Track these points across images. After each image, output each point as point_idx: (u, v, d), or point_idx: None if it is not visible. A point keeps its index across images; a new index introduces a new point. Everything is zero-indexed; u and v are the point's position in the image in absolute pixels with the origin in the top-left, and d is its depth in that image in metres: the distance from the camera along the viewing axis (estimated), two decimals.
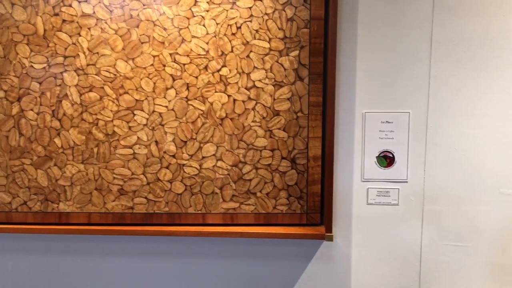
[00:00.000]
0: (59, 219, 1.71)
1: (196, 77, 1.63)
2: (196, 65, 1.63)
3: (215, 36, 1.61)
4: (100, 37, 1.62)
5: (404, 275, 1.74)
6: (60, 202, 1.71)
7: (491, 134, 1.64)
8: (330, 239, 1.62)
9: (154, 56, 1.63)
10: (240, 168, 1.68)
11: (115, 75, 1.64)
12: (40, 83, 1.65)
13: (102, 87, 1.64)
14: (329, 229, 1.62)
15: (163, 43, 1.62)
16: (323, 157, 1.66)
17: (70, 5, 1.61)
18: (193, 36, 1.61)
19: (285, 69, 1.63)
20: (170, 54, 1.62)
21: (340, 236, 1.74)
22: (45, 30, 1.62)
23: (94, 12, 1.61)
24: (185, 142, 1.67)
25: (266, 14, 1.60)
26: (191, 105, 1.65)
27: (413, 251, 1.73)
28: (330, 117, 1.57)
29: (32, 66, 1.64)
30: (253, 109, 1.65)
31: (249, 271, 1.78)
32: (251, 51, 1.62)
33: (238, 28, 1.61)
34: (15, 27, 1.63)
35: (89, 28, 1.62)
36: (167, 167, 1.68)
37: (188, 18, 1.61)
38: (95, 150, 1.68)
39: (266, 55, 1.62)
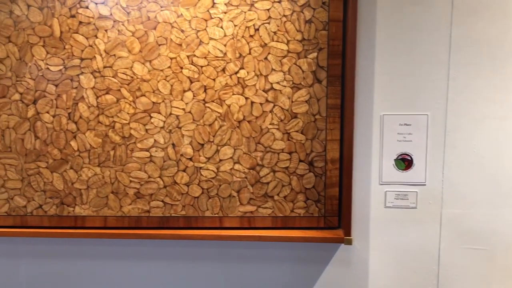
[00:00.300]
0: (74, 222, 1.70)
1: (214, 80, 1.62)
2: (214, 67, 1.62)
3: (233, 38, 1.60)
4: (117, 39, 1.61)
5: (422, 279, 1.72)
6: (76, 206, 1.69)
7: (511, 137, 1.63)
8: (349, 242, 1.61)
9: (171, 58, 1.61)
10: (257, 171, 1.67)
11: (132, 77, 1.62)
12: (56, 86, 1.64)
13: (119, 90, 1.63)
14: (348, 232, 1.61)
15: (180, 45, 1.61)
16: (340, 160, 1.65)
17: (87, 7, 1.60)
18: (211, 38, 1.60)
19: (303, 71, 1.62)
20: (188, 56, 1.61)
21: (358, 240, 1.72)
22: (61, 32, 1.61)
23: (111, 14, 1.60)
24: (202, 145, 1.65)
25: (284, 16, 1.59)
26: (209, 107, 1.64)
27: (431, 255, 1.71)
28: (349, 120, 1.56)
29: (48, 68, 1.63)
30: (271, 111, 1.64)
31: (266, 275, 1.76)
32: (269, 53, 1.61)
33: (256, 30, 1.60)
34: (31, 29, 1.61)
35: (106, 30, 1.60)
36: (184, 170, 1.67)
37: (206, 20, 1.60)
38: (112, 153, 1.66)
39: (284, 57, 1.61)
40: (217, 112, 1.64)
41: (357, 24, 1.60)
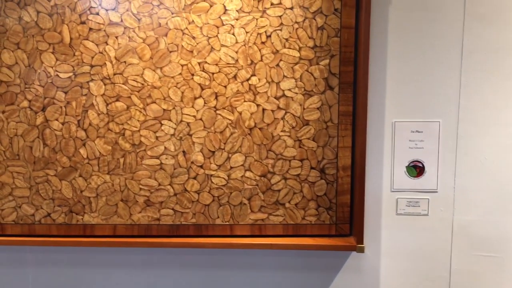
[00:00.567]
0: (83, 231, 1.67)
1: (225, 86, 1.61)
2: (225, 74, 1.60)
3: (244, 45, 1.59)
4: (128, 45, 1.59)
5: (433, 286, 1.72)
6: (85, 214, 1.67)
7: None
8: (361, 250, 1.60)
9: (182, 65, 1.60)
10: (268, 179, 1.66)
11: (142, 84, 1.61)
12: (65, 93, 1.62)
13: (129, 97, 1.62)
14: (360, 240, 1.60)
15: (191, 52, 1.59)
16: (352, 167, 1.64)
17: (97, 13, 1.58)
18: (222, 45, 1.59)
19: (315, 78, 1.61)
20: (199, 63, 1.60)
21: (369, 247, 1.71)
22: (71, 39, 1.59)
23: (121, 21, 1.58)
24: (213, 152, 1.64)
25: (296, 22, 1.58)
26: (220, 114, 1.62)
27: (443, 262, 1.71)
28: (361, 127, 1.55)
29: (57, 75, 1.61)
30: (283, 118, 1.63)
31: (277, 283, 1.75)
32: (281, 60, 1.60)
33: (268, 36, 1.59)
34: (40, 35, 1.60)
35: (116, 37, 1.59)
36: (194, 178, 1.65)
37: (218, 27, 1.59)
38: (121, 160, 1.64)
39: (296, 64, 1.60)
40: (228, 119, 1.62)
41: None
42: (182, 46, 1.59)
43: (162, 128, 1.63)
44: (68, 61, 1.60)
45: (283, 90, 1.61)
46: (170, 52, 1.59)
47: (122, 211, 1.67)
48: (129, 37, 1.59)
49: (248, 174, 1.65)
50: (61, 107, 1.62)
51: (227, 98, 1.62)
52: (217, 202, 1.67)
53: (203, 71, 1.60)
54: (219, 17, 1.58)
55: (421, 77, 1.63)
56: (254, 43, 1.59)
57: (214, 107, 1.62)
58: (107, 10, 1.58)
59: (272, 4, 1.57)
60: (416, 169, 1.68)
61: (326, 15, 1.58)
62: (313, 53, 1.60)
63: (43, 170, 1.65)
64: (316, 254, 1.73)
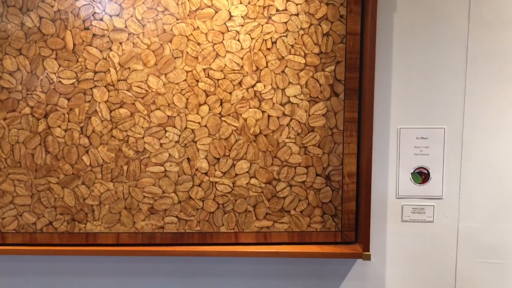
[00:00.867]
0: (86, 239, 1.65)
1: (230, 93, 1.60)
2: (230, 81, 1.59)
3: (249, 51, 1.58)
4: (132, 52, 1.58)
5: None
6: (87, 222, 1.65)
7: None
8: (368, 258, 1.59)
9: (187, 72, 1.59)
10: (274, 186, 1.64)
11: (146, 90, 1.59)
12: (68, 99, 1.60)
13: (133, 103, 1.60)
14: (366, 248, 1.58)
15: (196, 58, 1.58)
16: (357, 173, 1.63)
17: (101, 19, 1.56)
18: (228, 51, 1.58)
19: (320, 85, 1.60)
20: (204, 69, 1.59)
21: (374, 254, 1.70)
22: (74, 45, 1.58)
23: (126, 27, 1.57)
24: (218, 159, 1.63)
25: (301, 29, 1.58)
26: (225, 121, 1.61)
27: (448, 269, 1.70)
28: (367, 134, 1.55)
29: (60, 81, 1.59)
30: (288, 125, 1.62)
31: None
32: (286, 66, 1.59)
33: (273, 43, 1.58)
34: (43, 41, 1.58)
35: (120, 43, 1.57)
36: (199, 185, 1.63)
37: (223, 33, 1.58)
38: (125, 168, 1.62)
39: (301, 70, 1.60)
40: (233, 126, 1.61)
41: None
42: (187, 52, 1.58)
43: (167, 135, 1.61)
44: (71, 67, 1.58)
45: (288, 97, 1.61)
46: (175, 58, 1.58)
47: (126, 219, 1.65)
48: (133, 43, 1.57)
49: (253, 181, 1.64)
50: (63, 113, 1.60)
51: (232, 104, 1.60)
52: (222, 210, 1.65)
53: (208, 77, 1.59)
54: (224, 23, 1.57)
55: (426, 83, 1.63)
56: (260, 50, 1.58)
57: (219, 113, 1.61)
58: (111, 16, 1.56)
59: (277, 10, 1.57)
60: (421, 175, 1.67)
61: (332, 21, 1.58)
62: (318, 59, 1.59)
63: (45, 178, 1.63)
64: (321, 261, 1.71)
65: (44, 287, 1.74)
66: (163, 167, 1.62)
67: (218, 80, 1.59)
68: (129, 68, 1.58)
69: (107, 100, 1.60)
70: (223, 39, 1.58)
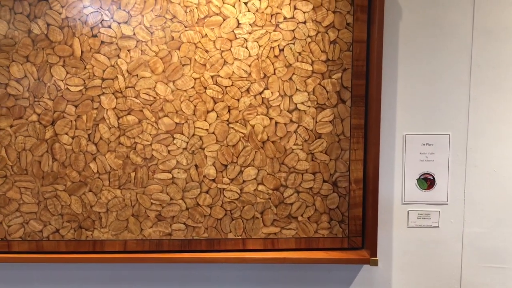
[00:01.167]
0: (93, 247, 1.64)
1: (238, 100, 1.61)
2: (238, 88, 1.60)
3: (257, 59, 1.59)
4: (140, 59, 1.58)
5: None
6: (94, 229, 1.64)
7: None
8: (375, 263, 1.60)
9: (195, 79, 1.59)
10: (281, 192, 1.65)
11: (154, 97, 1.60)
12: (76, 106, 1.59)
13: (141, 110, 1.60)
14: (373, 253, 1.60)
15: (204, 65, 1.59)
16: (364, 180, 1.65)
17: (109, 26, 1.57)
18: (235, 59, 1.59)
19: (327, 92, 1.62)
20: (212, 77, 1.59)
21: (381, 260, 1.71)
22: (82, 52, 1.58)
23: (134, 34, 1.57)
24: (226, 166, 1.63)
25: (309, 36, 1.59)
26: (232, 128, 1.62)
27: (454, 274, 1.72)
28: (375, 141, 1.56)
29: (68, 88, 1.59)
30: (295, 132, 1.63)
31: None
32: (293, 74, 1.61)
33: (281, 50, 1.60)
34: (51, 48, 1.57)
35: (128, 50, 1.58)
36: (207, 192, 1.64)
37: (231, 40, 1.58)
38: (133, 175, 1.62)
39: (308, 77, 1.61)
40: (241, 132, 1.62)
41: None
42: (195, 59, 1.59)
43: (174, 141, 1.62)
44: (79, 74, 1.58)
45: (295, 104, 1.62)
46: (183, 65, 1.59)
47: (133, 226, 1.64)
48: (141, 50, 1.58)
49: (260, 187, 1.65)
50: (71, 121, 1.60)
51: (240, 111, 1.61)
52: (230, 216, 1.65)
53: (216, 84, 1.60)
54: (232, 31, 1.58)
55: (431, 91, 1.65)
56: (267, 57, 1.59)
57: (227, 120, 1.61)
58: (119, 23, 1.57)
59: (285, 18, 1.58)
60: (427, 181, 1.69)
61: (339, 29, 1.59)
62: (325, 66, 1.61)
63: (52, 185, 1.62)
64: (328, 267, 1.72)
65: None
66: (170, 174, 1.63)
67: (226, 87, 1.60)
68: (137, 75, 1.59)
69: (115, 107, 1.60)
70: (231, 46, 1.59)
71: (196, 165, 1.63)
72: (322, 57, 1.60)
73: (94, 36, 1.57)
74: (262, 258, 1.63)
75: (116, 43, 1.57)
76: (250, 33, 1.58)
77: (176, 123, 1.61)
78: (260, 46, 1.59)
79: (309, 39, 1.60)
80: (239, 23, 1.58)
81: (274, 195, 1.65)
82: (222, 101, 1.61)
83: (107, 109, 1.60)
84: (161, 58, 1.58)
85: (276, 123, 1.62)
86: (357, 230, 1.67)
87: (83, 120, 1.60)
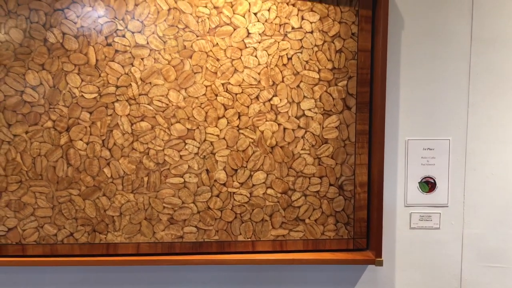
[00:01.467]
0: (107, 250, 1.68)
1: (248, 107, 1.66)
2: (248, 95, 1.66)
3: (266, 67, 1.65)
4: (153, 67, 1.63)
5: None
6: (108, 233, 1.68)
7: None
8: (380, 264, 1.66)
9: (206, 86, 1.65)
10: (289, 195, 1.71)
11: (167, 104, 1.65)
12: (90, 113, 1.64)
13: (154, 117, 1.65)
14: (378, 254, 1.66)
15: (215, 73, 1.65)
16: (368, 183, 1.71)
17: (123, 36, 1.62)
18: (245, 67, 1.65)
19: (333, 99, 1.68)
20: (222, 84, 1.65)
21: (384, 260, 1.77)
22: (97, 60, 1.62)
23: (147, 43, 1.62)
24: (236, 170, 1.69)
25: (316, 45, 1.66)
26: (242, 133, 1.67)
27: (454, 273, 1.79)
28: (379, 145, 1.63)
29: (82, 95, 1.63)
30: (303, 137, 1.69)
31: None
32: (301, 81, 1.67)
33: (289, 59, 1.66)
34: (66, 56, 1.62)
35: (142, 59, 1.63)
36: (217, 196, 1.69)
37: (241, 49, 1.64)
38: (145, 179, 1.67)
39: (315, 85, 1.67)
40: (250, 138, 1.68)
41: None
42: (207, 67, 1.64)
43: (186, 147, 1.67)
44: (93, 82, 1.63)
45: (303, 110, 1.68)
46: (195, 73, 1.64)
47: (146, 230, 1.69)
48: (154, 58, 1.63)
49: (269, 191, 1.70)
50: (85, 127, 1.64)
51: (249, 117, 1.67)
52: (240, 219, 1.71)
53: (226, 91, 1.65)
54: (242, 40, 1.64)
55: (432, 97, 1.73)
56: (276, 65, 1.66)
57: (237, 126, 1.67)
58: (133, 32, 1.62)
59: (293, 28, 1.65)
60: (428, 184, 1.76)
61: (344, 39, 1.66)
62: (331, 74, 1.67)
63: (66, 190, 1.66)
64: (334, 268, 1.78)
65: None
66: (182, 178, 1.68)
67: (236, 94, 1.66)
68: (150, 82, 1.64)
69: (129, 114, 1.64)
70: (241, 55, 1.65)
71: (207, 170, 1.68)
72: (329, 65, 1.67)
73: (109, 45, 1.62)
74: (271, 259, 1.68)
75: (130, 52, 1.63)
76: (259, 42, 1.64)
77: (188, 129, 1.66)
78: (269, 54, 1.65)
79: (316, 48, 1.66)
80: (249, 33, 1.64)
81: (282, 199, 1.71)
82: (233, 107, 1.66)
83: (121, 116, 1.64)
84: (173, 66, 1.64)
85: (284, 129, 1.68)
86: (362, 232, 1.73)
87: (98, 126, 1.65)
